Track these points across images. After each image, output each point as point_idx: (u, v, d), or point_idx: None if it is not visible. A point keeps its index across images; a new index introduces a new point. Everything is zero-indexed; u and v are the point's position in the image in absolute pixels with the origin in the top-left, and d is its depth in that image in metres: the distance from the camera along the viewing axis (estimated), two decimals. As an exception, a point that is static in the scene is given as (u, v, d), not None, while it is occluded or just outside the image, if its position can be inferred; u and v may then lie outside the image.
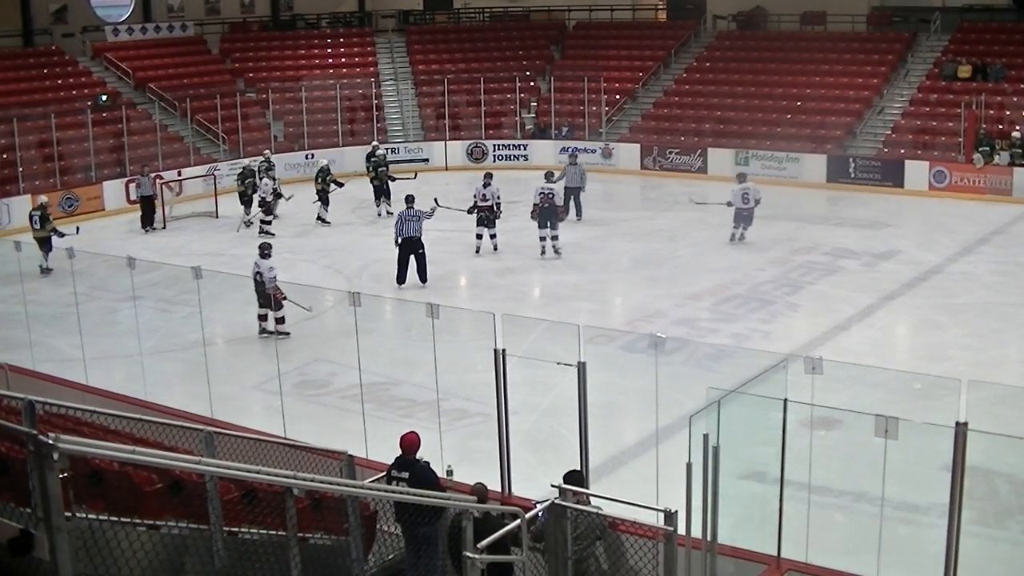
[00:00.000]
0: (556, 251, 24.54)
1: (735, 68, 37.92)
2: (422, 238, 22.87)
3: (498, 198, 25.09)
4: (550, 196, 24.63)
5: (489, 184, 25.19)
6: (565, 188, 27.05)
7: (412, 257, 22.82)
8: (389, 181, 29.73)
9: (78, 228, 24.80)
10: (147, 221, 28.90)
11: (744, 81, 36.90)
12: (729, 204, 25.63)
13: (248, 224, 28.68)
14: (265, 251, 19.87)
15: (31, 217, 25.08)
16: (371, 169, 29.99)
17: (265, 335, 19.63)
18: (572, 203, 27.86)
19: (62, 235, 24.19)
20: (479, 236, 25.05)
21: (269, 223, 27.79)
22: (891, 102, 34.63)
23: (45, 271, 24.01)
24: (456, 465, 11.66)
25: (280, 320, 19.54)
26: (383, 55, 41.30)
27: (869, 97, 34.83)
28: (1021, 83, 32.89)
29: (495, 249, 24.98)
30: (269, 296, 19.34)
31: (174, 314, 20.55)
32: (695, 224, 28.03)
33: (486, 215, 25.01)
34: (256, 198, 28.50)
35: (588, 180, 28.79)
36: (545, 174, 26.07)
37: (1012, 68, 33.38)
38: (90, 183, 31.42)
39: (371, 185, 29.96)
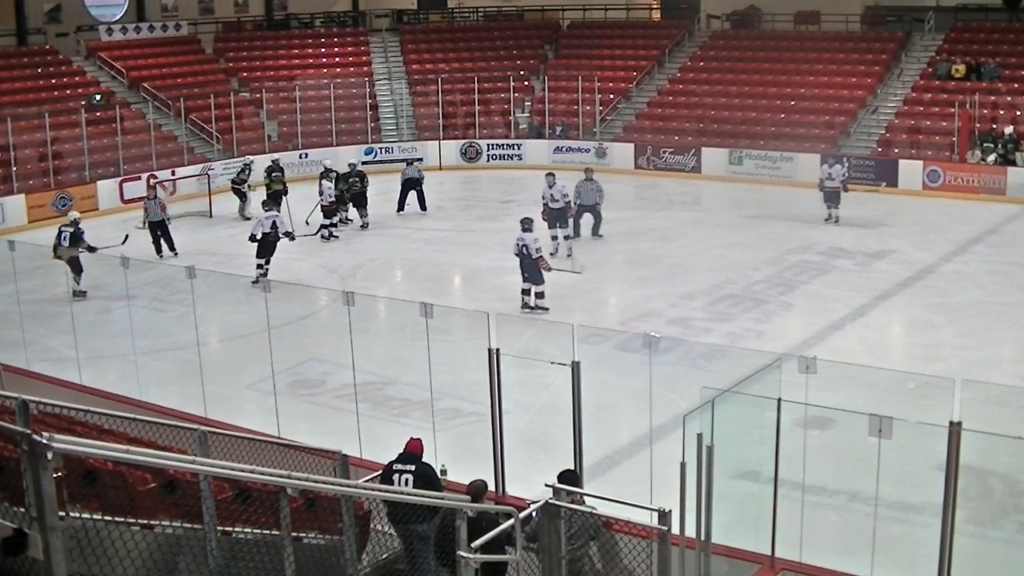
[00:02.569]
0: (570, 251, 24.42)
1: (729, 67, 37.95)
2: (421, 180, 29.51)
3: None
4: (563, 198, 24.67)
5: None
6: (579, 206, 25.40)
7: (413, 192, 29.43)
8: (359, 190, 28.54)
9: (126, 237, 23.03)
10: (159, 247, 25.64)
11: (738, 80, 36.93)
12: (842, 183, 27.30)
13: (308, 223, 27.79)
14: (527, 225, 20.39)
15: (60, 233, 22.64)
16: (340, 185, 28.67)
17: (527, 310, 20.05)
18: (587, 218, 25.98)
19: (94, 250, 22.23)
20: None
21: (334, 226, 27.25)
22: (885, 101, 34.66)
23: (79, 294, 22.12)
24: (450, 464, 11.66)
25: (540, 295, 20.13)
26: (377, 54, 41.28)
27: (863, 96, 34.87)
28: (1015, 82, 32.94)
29: None
30: (534, 270, 20.07)
31: (168, 314, 20.53)
32: (689, 224, 28.08)
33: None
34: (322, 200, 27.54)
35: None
36: (546, 174, 25.85)
37: (1006, 67, 33.44)
38: (84, 183, 31.35)
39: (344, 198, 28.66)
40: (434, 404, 13.63)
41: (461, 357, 15.29)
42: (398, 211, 29.34)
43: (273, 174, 28.70)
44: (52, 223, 28.74)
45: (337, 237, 26.99)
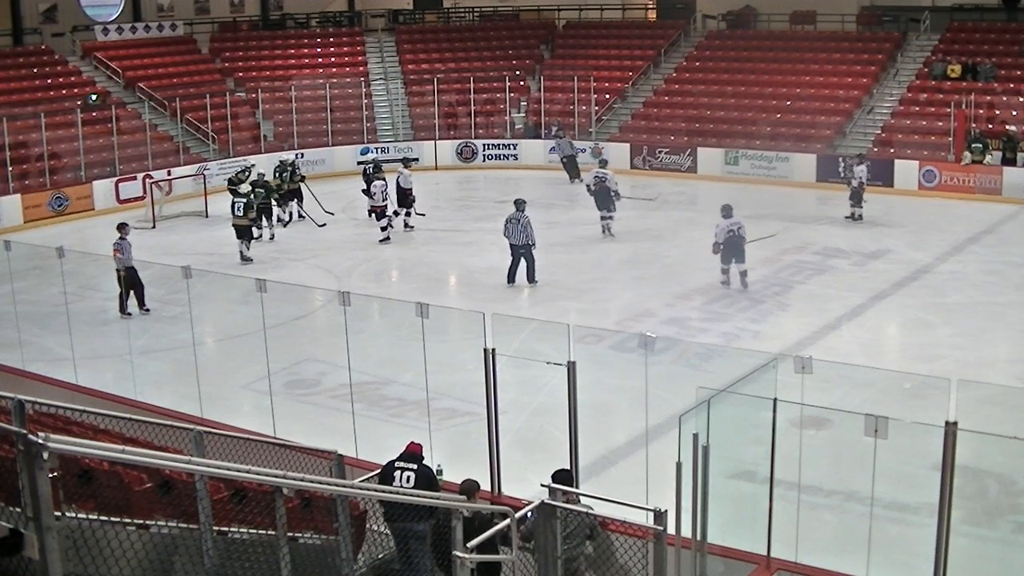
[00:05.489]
0: (609, 231, 26.36)
1: (725, 67, 37.96)
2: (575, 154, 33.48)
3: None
4: (603, 180, 26.23)
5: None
6: (512, 247, 22.52)
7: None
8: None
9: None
10: (126, 302, 21.07)
11: (734, 80, 36.94)
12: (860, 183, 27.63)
13: (284, 224, 28.34)
14: (727, 212, 21.77)
15: (233, 204, 25.26)
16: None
17: (742, 288, 21.60)
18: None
19: (260, 228, 25.83)
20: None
21: (410, 224, 27.76)
22: (881, 102, 34.69)
23: (246, 260, 24.73)
24: (446, 465, 11.65)
25: (744, 273, 21.71)
26: (373, 54, 41.27)
27: (859, 97, 34.89)
28: (1010, 82, 32.98)
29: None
30: (741, 250, 21.59)
31: (164, 314, 20.53)
32: (685, 224, 28.06)
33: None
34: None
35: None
36: (600, 161, 28.24)
37: (1002, 67, 33.44)
38: (80, 183, 31.34)
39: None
40: (430, 404, 13.62)
41: (457, 357, 15.25)
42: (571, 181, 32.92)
43: (283, 173, 28.81)
44: (48, 223, 28.92)
45: (413, 227, 27.71)
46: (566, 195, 31.94)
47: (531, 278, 22.33)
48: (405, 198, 27.88)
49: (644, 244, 25.74)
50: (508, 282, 22.34)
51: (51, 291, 20.51)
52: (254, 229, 25.78)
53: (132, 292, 20.87)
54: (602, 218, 26.50)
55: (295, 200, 28.87)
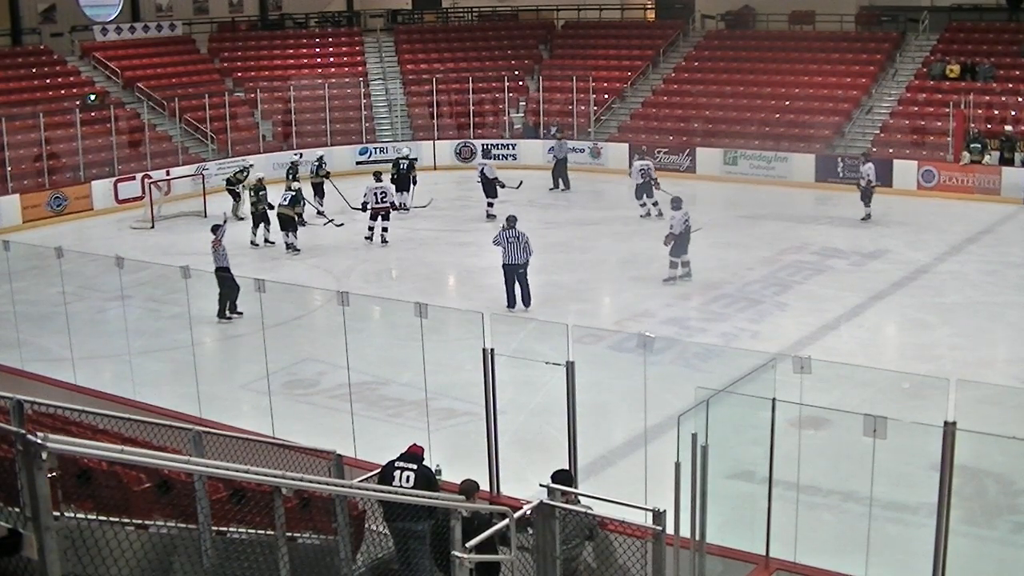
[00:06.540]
0: (661, 214, 27.08)
1: (723, 67, 37.96)
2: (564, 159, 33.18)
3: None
4: (648, 170, 28.27)
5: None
6: (506, 267, 20.70)
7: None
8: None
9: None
10: (224, 307, 20.47)
11: (733, 80, 36.93)
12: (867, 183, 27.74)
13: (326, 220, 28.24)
14: (677, 204, 22.51)
15: (285, 196, 25.77)
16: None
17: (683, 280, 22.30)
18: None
19: (303, 224, 26.34)
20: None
21: (492, 214, 28.42)
22: (880, 102, 34.68)
23: (293, 249, 25.59)
24: (444, 465, 11.64)
25: (686, 264, 22.40)
26: (371, 54, 41.27)
27: (857, 97, 34.89)
28: (1009, 82, 32.98)
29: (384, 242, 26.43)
30: (685, 243, 22.17)
31: (163, 313, 20.52)
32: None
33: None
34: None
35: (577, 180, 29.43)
36: (639, 151, 30.44)
37: (1000, 68, 33.45)
38: (79, 183, 31.32)
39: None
40: (429, 404, 13.62)
41: (455, 357, 15.26)
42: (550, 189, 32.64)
43: (294, 173, 29.10)
44: (47, 223, 28.90)
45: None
46: (564, 195, 31.95)
47: (528, 301, 20.57)
48: (492, 188, 28.73)
49: (643, 244, 25.69)
50: (509, 307, 20.44)
51: (50, 291, 20.51)
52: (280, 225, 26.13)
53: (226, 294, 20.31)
54: (643, 204, 28.22)
55: (316, 196, 29.00)
